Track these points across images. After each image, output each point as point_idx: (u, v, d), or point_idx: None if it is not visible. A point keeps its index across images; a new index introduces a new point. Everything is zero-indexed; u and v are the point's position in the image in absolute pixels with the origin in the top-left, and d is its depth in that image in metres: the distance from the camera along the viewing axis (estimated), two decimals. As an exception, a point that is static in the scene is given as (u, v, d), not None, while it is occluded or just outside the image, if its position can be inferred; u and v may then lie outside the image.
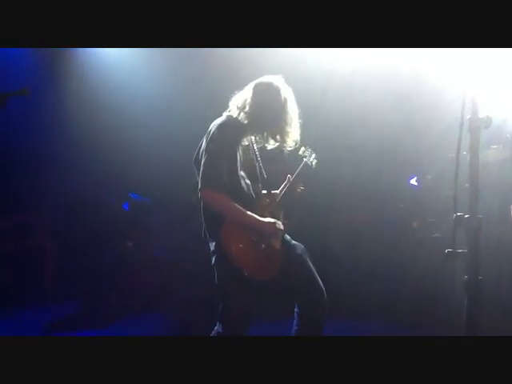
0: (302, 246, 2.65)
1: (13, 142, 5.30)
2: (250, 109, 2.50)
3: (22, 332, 4.07)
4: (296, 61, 4.07)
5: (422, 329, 3.84)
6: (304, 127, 2.62)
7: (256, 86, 2.57)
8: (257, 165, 2.61)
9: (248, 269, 2.37)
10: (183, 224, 4.77)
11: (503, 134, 3.68)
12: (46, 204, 5.49)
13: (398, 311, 4.14)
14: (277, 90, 2.54)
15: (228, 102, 2.60)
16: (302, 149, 2.72)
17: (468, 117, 1.87)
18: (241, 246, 2.37)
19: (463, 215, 1.85)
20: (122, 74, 5.35)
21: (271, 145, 2.65)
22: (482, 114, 1.86)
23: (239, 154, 2.48)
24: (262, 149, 2.68)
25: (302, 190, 2.78)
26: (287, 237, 2.64)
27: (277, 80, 2.57)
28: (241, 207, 2.38)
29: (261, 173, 2.63)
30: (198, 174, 2.44)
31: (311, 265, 2.59)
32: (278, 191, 2.70)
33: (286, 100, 2.54)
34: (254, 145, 2.64)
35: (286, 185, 2.71)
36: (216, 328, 2.49)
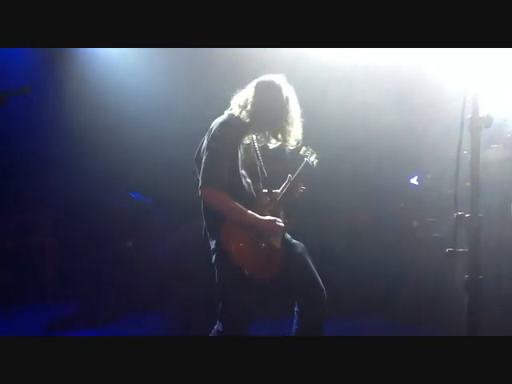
0: (303, 245, 2.65)
1: (13, 141, 5.30)
2: (251, 107, 2.50)
3: (22, 332, 4.07)
4: (296, 61, 4.06)
5: (423, 328, 3.84)
6: (304, 127, 2.62)
7: (258, 84, 2.57)
8: (258, 163, 2.61)
9: (248, 267, 2.36)
10: (183, 224, 4.77)
11: (503, 133, 3.68)
12: (46, 204, 5.49)
13: (398, 310, 4.15)
14: (278, 89, 2.54)
15: (228, 102, 2.60)
16: (303, 148, 2.71)
17: (468, 116, 1.87)
18: (241, 244, 2.37)
19: (464, 214, 1.85)
20: (122, 73, 5.34)
21: (273, 144, 2.65)
22: (482, 113, 1.86)
23: (240, 153, 2.48)
24: (263, 148, 2.68)
25: (302, 189, 2.78)
26: (287, 236, 2.63)
27: (279, 79, 2.57)
28: (241, 206, 2.38)
29: (262, 172, 2.63)
30: (199, 172, 2.43)
31: (311, 264, 2.59)
32: (278, 190, 2.70)
33: (287, 99, 2.54)
34: (256, 143, 2.64)
35: (286, 184, 2.71)
36: (216, 327, 2.49)
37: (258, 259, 2.43)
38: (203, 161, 2.41)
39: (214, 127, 2.47)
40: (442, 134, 3.84)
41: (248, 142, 2.57)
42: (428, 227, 4.45)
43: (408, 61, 3.98)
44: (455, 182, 1.87)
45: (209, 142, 2.44)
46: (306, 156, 2.73)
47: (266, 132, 2.62)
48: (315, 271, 2.58)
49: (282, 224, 2.50)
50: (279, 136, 2.60)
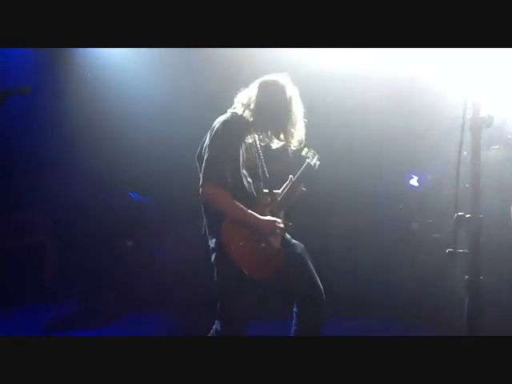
0: (302, 246, 2.65)
1: (13, 141, 5.30)
2: (254, 106, 2.50)
3: (22, 332, 4.06)
4: (296, 62, 4.06)
5: (423, 329, 3.84)
6: (305, 128, 2.62)
7: (261, 83, 2.56)
8: (259, 163, 2.61)
9: (247, 267, 2.36)
10: (183, 224, 4.77)
11: (504, 134, 3.68)
12: (46, 204, 5.49)
13: (398, 311, 4.15)
14: (282, 89, 2.53)
15: (228, 102, 2.60)
16: (305, 150, 2.70)
17: (469, 116, 1.86)
18: (240, 243, 2.37)
19: (464, 215, 1.85)
20: (122, 74, 5.34)
21: (275, 144, 2.65)
22: (483, 114, 1.85)
23: (242, 152, 2.47)
24: (265, 148, 2.67)
25: (303, 191, 2.77)
26: (287, 236, 2.63)
27: (283, 78, 2.56)
28: (241, 205, 2.37)
29: (263, 171, 2.62)
30: (201, 170, 2.43)
31: (311, 264, 2.59)
32: (279, 191, 2.69)
33: (291, 99, 2.54)
34: (258, 143, 2.63)
35: (287, 185, 2.71)
36: (215, 326, 2.49)
37: (257, 259, 2.42)
38: (205, 158, 2.40)
39: (217, 125, 2.46)
40: (442, 134, 3.84)
41: (250, 142, 2.56)
42: (428, 228, 4.45)
43: (408, 61, 3.98)
44: (455, 182, 1.87)
45: (211, 140, 2.43)
46: (308, 157, 2.71)
47: (269, 132, 2.61)
48: (314, 272, 2.57)
49: (281, 225, 2.50)
50: (282, 136, 2.59)
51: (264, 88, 2.54)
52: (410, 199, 4.92)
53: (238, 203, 2.36)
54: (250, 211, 2.39)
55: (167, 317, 4.50)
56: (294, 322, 2.60)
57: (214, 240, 2.44)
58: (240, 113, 2.52)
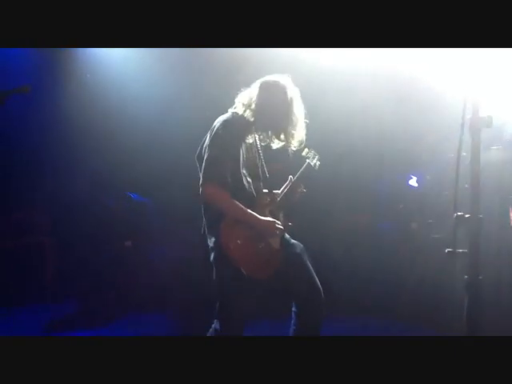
0: (302, 246, 2.65)
1: (13, 141, 5.30)
2: (255, 106, 2.51)
3: (22, 332, 4.06)
4: (295, 62, 4.06)
5: (422, 329, 3.84)
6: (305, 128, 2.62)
7: (263, 84, 2.56)
8: (259, 163, 2.61)
9: (246, 267, 2.36)
10: (183, 224, 4.77)
11: (504, 135, 3.68)
12: (45, 204, 5.49)
13: (398, 311, 4.15)
14: (283, 90, 2.53)
15: (228, 103, 2.60)
16: (306, 150, 2.70)
17: (469, 116, 1.86)
18: (239, 244, 2.37)
19: (464, 215, 1.85)
20: (122, 73, 5.34)
21: (276, 144, 2.65)
22: (482, 114, 1.85)
23: (242, 152, 2.47)
24: (265, 148, 2.67)
25: (303, 191, 2.77)
26: (286, 236, 2.63)
27: (284, 79, 2.56)
28: (241, 205, 2.37)
29: (263, 171, 2.62)
30: (201, 169, 2.43)
31: (310, 265, 2.59)
32: (279, 191, 2.69)
33: (292, 100, 2.54)
34: (258, 143, 2.63)
35: (287, 185, 2.71)
36: (213, 325, 2.49)
37: (257, 259, 2.42)
38: (205, 158, 2.40)
39: (217, 125, 2.46)
40: (441, 134, 3.84)
41: (251, 142, 2.57)
42: (428, 228, 4.45)
43: (408, 62, 3.98)
44: (455, 182, 1.87)
45: (211, 140, 2.43)
46: (308, 158, 2.71)
47: (269, 132, 2.62)
48: (313, 272, 2.57)
49: (281, 226, 2.50)
50: (282, 136, 2.60)
51: (265, 88, 2.54)
52: (410, 199, 4.92)
53: (237, 203, 2.36)
54: (249, 211, 2.39)
55: (167, 317, 4.50)
56: (292, 321, 2.60)
57: (213, 239, 2.44)
58: (241, 113, 2.52)
